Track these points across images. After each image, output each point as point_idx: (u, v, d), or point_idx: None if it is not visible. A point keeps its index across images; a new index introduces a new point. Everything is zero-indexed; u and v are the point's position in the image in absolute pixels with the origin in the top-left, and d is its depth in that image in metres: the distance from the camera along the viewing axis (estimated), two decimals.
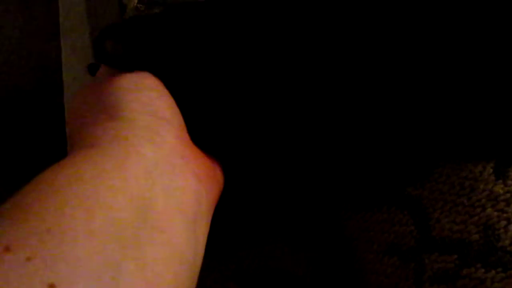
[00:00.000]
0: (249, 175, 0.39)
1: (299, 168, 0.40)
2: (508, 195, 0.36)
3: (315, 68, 0.36)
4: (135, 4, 0.61)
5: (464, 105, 0.38)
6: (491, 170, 0.38)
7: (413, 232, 0.38)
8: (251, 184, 0.40)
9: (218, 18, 0.38)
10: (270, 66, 0.37)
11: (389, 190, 0.40)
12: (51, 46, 1.02)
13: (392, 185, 0.40)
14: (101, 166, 0.28)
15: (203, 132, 0.35)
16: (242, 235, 0.44)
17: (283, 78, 0.36)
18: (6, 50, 1.06)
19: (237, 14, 0.39)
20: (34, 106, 1.02)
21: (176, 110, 0.34)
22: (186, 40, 0.37)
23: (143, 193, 0.27)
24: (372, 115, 0.38)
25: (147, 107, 0.32)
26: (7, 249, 0.22)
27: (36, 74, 1.06)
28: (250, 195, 0.41)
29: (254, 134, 0.38)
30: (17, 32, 1.06)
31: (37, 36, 1.07)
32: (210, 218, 0.33)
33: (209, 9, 0.39)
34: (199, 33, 0.38)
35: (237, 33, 0.38)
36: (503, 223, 0.35)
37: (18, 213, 0.24)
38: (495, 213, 0.36)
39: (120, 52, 0.36)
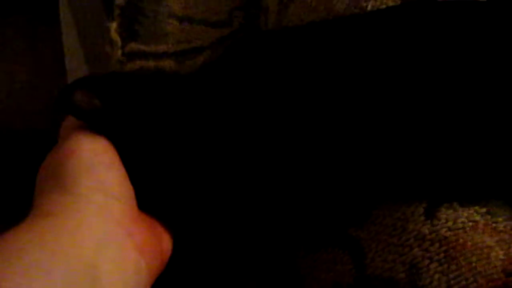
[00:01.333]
0: (200, 237, 0.44)
1: (251, 223, 0.45)
2: (434, 234, 0.40)
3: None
4: (119, 57, 0.66)
5: (398, 148, 0.42)
6: (422, 211, 0.41)
7: (351, 271, 0.42)
8: (202, 244, 0.45)
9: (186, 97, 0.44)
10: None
11: (334, 232, 0.44)
12: (59, 86, 1.08)
13: (337, 227, 0.44)
14: (56, 234, 0.32)
15: (155, 200, 0.41)
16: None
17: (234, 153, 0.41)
18: (18, 93, 1.13)
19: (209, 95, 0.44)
20: (49, 146, 1.08)
21: (126, 186, 0.38)
22: (149, 108, 0.42)
23: (93, 262, 0.32)
24: (316, 164, 0.42)
25: (100, 185, 0.37)
26: None
27: (48, 114, 1.12)
28: (202, 254, 0.46)
29: (204, 203, 0.42)
30: (25, 74, 1.13)
31: (45, 76, 1.14)
32: (150, 286, 0.37)
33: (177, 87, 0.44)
34: (162, 104, 0.43)
35: (203, 112, 0.43)
36: (426, 261, 0.39)
37: None
38: (420, 253, 0.39)
39: (88, 105, 0.41)
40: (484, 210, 0.41)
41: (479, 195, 0.42)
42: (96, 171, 0.37)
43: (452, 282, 0.37)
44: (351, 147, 0.42)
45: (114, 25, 0.69)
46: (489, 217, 0.40)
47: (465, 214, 0.40)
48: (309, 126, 0.42)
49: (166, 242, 0.40)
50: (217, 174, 0.42)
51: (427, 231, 0.40)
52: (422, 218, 0.41)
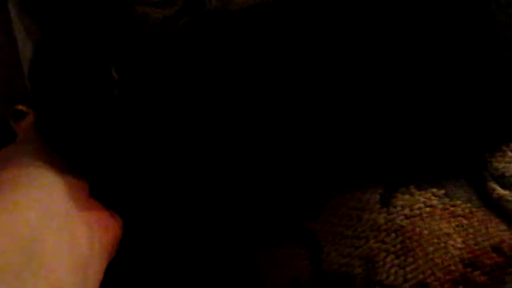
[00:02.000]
0: (148, 224, 0.42)
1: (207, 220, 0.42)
2: (389, 224, 0.38)
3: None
4: None
5: (354, 128, 0.39)
6: (378, 197, 0.39)
7: (308, 266, 0.40)
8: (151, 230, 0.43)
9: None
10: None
11: (291, 225, 0.42)
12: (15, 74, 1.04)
13: (293, 219, 0.42)
14: None
15: (102, 190, 0.38)
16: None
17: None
18: None
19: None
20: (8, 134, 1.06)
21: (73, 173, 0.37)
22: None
23: (32, 235, 0.31)
24: (267, 153, 0.40)
25: (50, 170, 0.36)
26: None
27: (6, 102, 1.09)
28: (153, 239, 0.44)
29: (151, 191, 0.40)
30: None
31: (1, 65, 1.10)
32: (104, 261, 0.36)
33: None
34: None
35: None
36: (383, 255, 0.37)
37: None
38: (376, 245, 0.37)
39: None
40: (442, 192, 0.39)
41: (437, 175, 0.40)
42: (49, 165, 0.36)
43: (409, 276, 0.35)
44: (302, 133, 0.39)
45: None
46: (447, 200, 0.38)
47: (422, 199, 0.38)
48: (258, 112, 0.39)
49: (115, 223, 0.39)
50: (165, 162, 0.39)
51: (382, 221, 0.38)
52: (378, 206, 0.39)
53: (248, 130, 0.39)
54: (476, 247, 0.35)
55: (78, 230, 0.34)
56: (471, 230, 0.36)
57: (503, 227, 0.36)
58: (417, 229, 0.37)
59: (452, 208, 0.37)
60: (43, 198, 0.34)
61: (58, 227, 0.33)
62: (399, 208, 0.38)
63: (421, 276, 0.35)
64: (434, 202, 0.38)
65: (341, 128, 0.39)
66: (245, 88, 0.39)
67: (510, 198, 0.37)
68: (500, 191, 0.38)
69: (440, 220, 0.37)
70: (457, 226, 0.36)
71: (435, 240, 0.36)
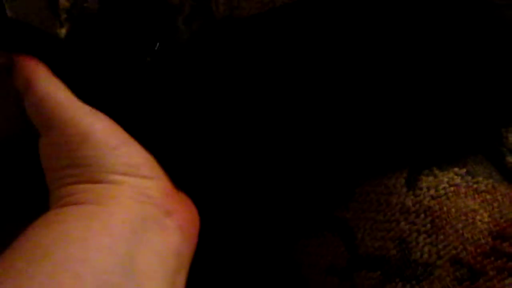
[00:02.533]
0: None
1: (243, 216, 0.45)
2: (418, 206, 0.40)
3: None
4: None
5: (371, 119, 0.42)
6: (403, 181, 0.42)
7: (344, 253, 0.43)
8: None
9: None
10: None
11: (321, 215, 0.45)
12: None
13: (323, 210, 0.45)
14: (88, 225, 0.29)
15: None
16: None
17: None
18: None
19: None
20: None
21: (152, 162, 0.35)
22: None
23: (129, 252, 0.29)
24: (293, 145, 0.42)
25: (127, 167, 0.33)
26: None
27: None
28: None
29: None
30: None
31: None
32: (189, 264, 0.35)
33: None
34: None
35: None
36: (414, 235, 0.39)
37: (9, 278, 0.26)
38: (407, 226, 0.40)
39: None
40: (464, 170, 0.41)
41: (457, 153, 0.42)
42: (119, 152, 0.34)
43: (441, 252, 0.38)
44: (326, 125, 0.41)
45: (63, 31, 0.67)
46: (469, 178, 0.40)
47: (446, 179, 0.40)
48: (284, 108, 0.41)
49: (196, 214, 0.37)
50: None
51: (410, 203, 0.40)
52: (404, 189, 0.41)
53: (271, 127, 0.42)
54: (502, 220, 0.38)
55: (169, 242, 0.33)
56: (495, 204, 0.38)
57: None
58: (445, 208, 0.39)
59: (475, 185, 0.39)
60: (135, 212, 0.32)
61: (150, 240, 0.31)
62: (424, 190, 0.40)
63: (453, 251, 0.37)
64: (457, 181, 0.40)
65: (361, 117, 0.41)
66: (265, 88, 0.41)
67: None
68: None
69: (465, 198, 0.39)
70: (482, 201, 0.38)
71: (463, 217, 0.38)
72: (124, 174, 0.33)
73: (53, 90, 0.35)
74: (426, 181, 0.41)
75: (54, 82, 0.35)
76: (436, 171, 0.41)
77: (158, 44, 0.39)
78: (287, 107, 0.42)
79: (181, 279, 0.33)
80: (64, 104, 0.34)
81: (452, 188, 0.40)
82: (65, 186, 0.33)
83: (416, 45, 0.40)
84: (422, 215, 0.39)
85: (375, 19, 0.41)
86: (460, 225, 0.38)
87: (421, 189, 0.40)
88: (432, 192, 0.40)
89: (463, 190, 0.39)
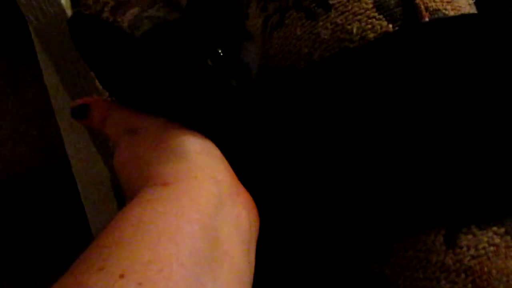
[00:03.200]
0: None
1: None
2: (458, 265, 0.41)
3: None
4: None
5: (411, 177, 0.43)
6: (442, 239, 0.42)
7: None
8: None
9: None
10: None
11: (359, 270, 0.45)
12: (49, 126, 1.08)
13: (360, 264, 0.45)
14: (179, 202, 0.35)
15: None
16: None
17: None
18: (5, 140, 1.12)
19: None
20: (47, 184, 1.10)
21: (219, 150, 0.41)
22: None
23: (213, 224, 0.35)
24: (335, 199, 0.43)
25: (205, 149, 0.40)
26: (122, 276, 0.29)
27: (41, 152, 1.13)
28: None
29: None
30: (9, 118, 1.13)
31: (32, 118, 1.13)
32: (256, 243, 0.39)
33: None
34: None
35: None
36: None
37: (123, 246, 0.31)
38: (448, 285, 0.41)
39: None
40: (502, 230, 0.42)
41: (495, 212, 0.43)
42: (194, 137, 0.40)
43: None
44: (368, 183, 0.43)
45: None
46: (508, 238, 0.41)
47: (485, 238, 0.41)
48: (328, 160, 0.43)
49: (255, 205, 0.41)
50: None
51: (450, 262, 0.41)
52: (444, 247, 0.42)
53: (318, 178, 0.43)
54: None
55: (241, 217, 0.37)
56: None
57: None
58: (485, 269, 0.40)
59: None
60: (214, 190, 0.37)
61: (227, 214, 0.36)
62: (464, 248, 0.41)
63: None
64: (497, 240, 0.41)
65: (402, 172, 0.42)
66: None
67: None
68: None
69: (505, 259, 0.40)
70: None
71: (504, 279, 0.39)
72: (201, 153, 0.39)
73: (127, 110, 0.43)
74: (466, 239, 0.41)
75: (125, 109, 0.43)
76: (475, 230, 0.42)
77: (220, 50, 0.42)
78: (332, 159, 0.43)
79: (252, 251, 0.38)
80: (140, 114, 0.42)
81: (492, 248, 0.40)
82: (154, 165, 0.38)
83: (458, 107, 0.42)
84: (463, 275, 0.40)
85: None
86: (501, 287, 0.39)
87: (461, 248, 0.41)
88: (472, 251, 0.41)
89: (503, 250, 0.40)
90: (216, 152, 0.40)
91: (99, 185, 1.05)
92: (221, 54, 0.41)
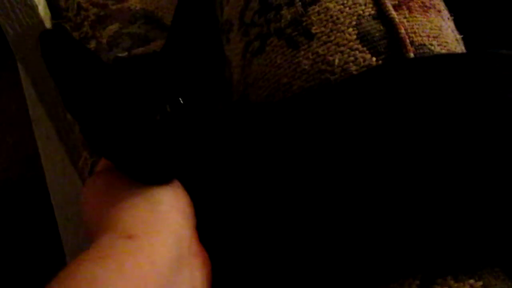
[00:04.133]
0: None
1: None
2: None
3: None
4: None
5: (387, 225, 0.40)
6: None
7: None
8: None
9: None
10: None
11: None
12: (25, 136, 1.05)
13: None
14: (138, 261, 0.33)
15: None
16: None
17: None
18: None
19: None
20: (20, 196, 1.07)
21: (192, 207, 0.40)
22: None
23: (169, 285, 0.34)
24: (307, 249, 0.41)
25: (177, 204, 0.38)
26: None
27: (16, 165, 1.10)
28: None
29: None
30: None
31: (10, 127, 1.11)
32: None
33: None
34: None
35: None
36: None
37: None
38: None
39: None
40: (480, 284, 0.39)
41: (473, 264, 0.41)
42: (174, 188, 0.39)
43: None
44: (342, 228, 0.41)
45: None
46: None
47: None
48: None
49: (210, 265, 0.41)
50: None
51: None
52: None
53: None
54: None
55: (197, 279, 0.37)
56: None
57: None
58: None
59: None
60: (174, 250, 0.36)
61: (184, 278, 0.36)
62: None
63: None
64: None
65: (377, 216, 0.40)
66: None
67: None
68: None
69: None
70: None
71: None
72: (174, 207, 0.38)
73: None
74: None
75: None
76: (451, 282, 0.40)
77: (168, 106, 0.38)
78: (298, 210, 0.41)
79: None
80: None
81: None
82: (121, 211, 0.37)
83: (436, 150, 0.40)
84: None
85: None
86: None
87: None
88: None
89: None
90: (185, 199, 0.39)
91: (74, 199, 1.02)
92: (181, 103, 0.39)
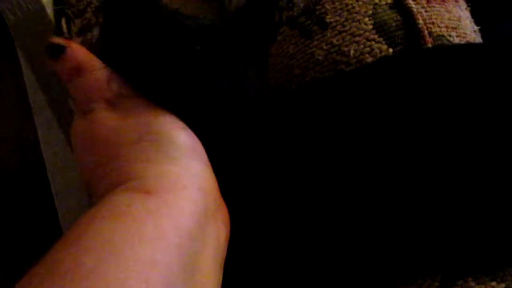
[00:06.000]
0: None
1: None
2: None
3: None
4: None
5: (409, 224, 0.39)
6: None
7: None
8: None
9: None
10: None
11: None
12: (25, 124, 1.03)
13: None
14: (159, 223, 0.28)
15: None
16: None
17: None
18: None
19: None
20: (20, 186, 1.06)
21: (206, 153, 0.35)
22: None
23: (193, 251, 0.29)
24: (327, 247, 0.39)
25: (196, 151, 0.33)
26: None
27: (16, 154, 1.09)
28: None
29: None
30: None
31: (9, 116, 1.09)
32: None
33: None
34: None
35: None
36: None
37: (81, 276, 0.25)
38: None
39: None
40: (502, 286, 0.38)
41: (495, 265, 0.39)
42: (190, 133, 0.34)
43: None
44: (362, 224, 0.39)
45: None
46: None
47: None
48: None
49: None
50: None
51: None
52: None
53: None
54: None
55: (221, 234, 0.33)
56: None
57: None
58: None
59: None
60: (200, 203, 0.31)
61: (209, 235, 0.31)
62: None
63: None
64: None
65: (397, 221, 0.38)
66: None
67: None
68: None
69: None
70: None
71: None
72: (193, 158, 0.33)
73: (116, 75, 0.35)
74: None
75: (114, 73, 0.35)
76: (472, 283, 0.38)
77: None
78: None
79: (221, 272, 0.33)
80: (130, 87, 0.34)
81: None
82: (136, 164, 0.31)
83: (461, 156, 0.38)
84: None
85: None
86: None
87: None
88: None
89: None
90: (205, 156, 0.34)
91: (75, 191, 1.01)
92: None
